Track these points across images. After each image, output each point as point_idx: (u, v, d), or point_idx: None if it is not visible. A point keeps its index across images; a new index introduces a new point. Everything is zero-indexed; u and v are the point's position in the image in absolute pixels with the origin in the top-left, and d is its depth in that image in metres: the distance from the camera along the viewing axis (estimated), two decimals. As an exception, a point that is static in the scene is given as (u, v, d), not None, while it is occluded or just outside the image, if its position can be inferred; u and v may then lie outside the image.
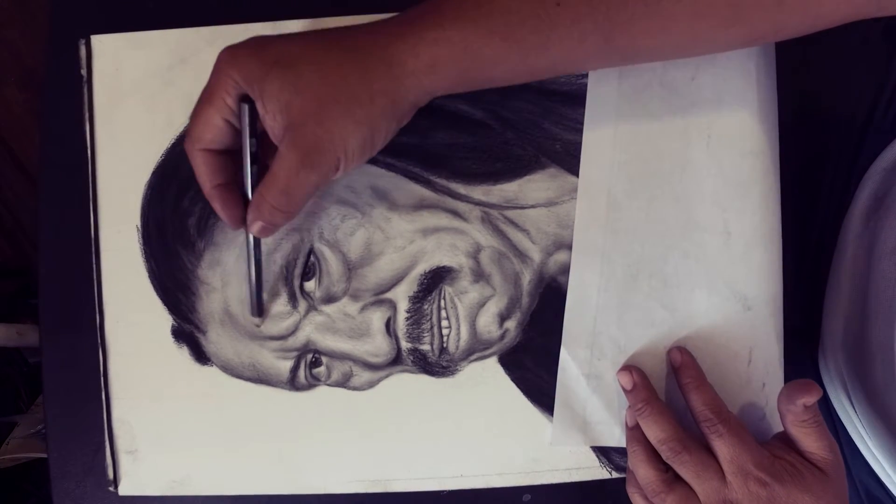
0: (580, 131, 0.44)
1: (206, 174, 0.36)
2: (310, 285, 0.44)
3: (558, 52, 0.32)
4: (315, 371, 0.45)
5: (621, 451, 0.43)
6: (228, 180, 0.37)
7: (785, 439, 0.38)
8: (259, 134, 0.36)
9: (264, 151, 0.37)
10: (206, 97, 0.34)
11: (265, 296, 0.44)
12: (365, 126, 0.33)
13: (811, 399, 0.36)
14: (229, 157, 0.37)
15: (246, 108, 0.34)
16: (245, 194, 0.37)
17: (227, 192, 0.37)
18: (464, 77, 0.34)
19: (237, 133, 0.35)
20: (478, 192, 0.44)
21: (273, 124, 0.33)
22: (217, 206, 0.37)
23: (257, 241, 0.41)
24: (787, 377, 0.43)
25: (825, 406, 0.49)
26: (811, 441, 0.37)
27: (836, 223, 0.49)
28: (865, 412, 0.44)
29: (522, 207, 0.44)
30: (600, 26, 0.31)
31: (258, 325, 0.44)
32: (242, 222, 0.38)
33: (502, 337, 0.44)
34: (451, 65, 0.32)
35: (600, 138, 0.43)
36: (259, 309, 0.43)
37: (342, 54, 0.33)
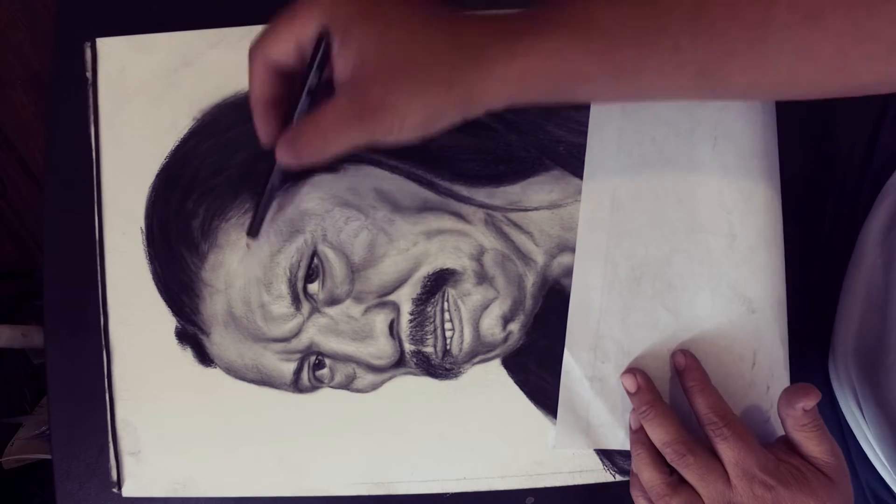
0: (584, 133, 0.44)
1: (258, 84, 0.35)
2: (313, 287, 0.44)
3: (651, 78, 0.31)
4: (318, 373, 0.45)
5: (625, 455, 0.43)
6: (276, 98, 0.36)
7: (789, 443, 0.38)
8: (323, 68, 0.34)
9: (321, 87, 0.36)
10: (290, 15, 0.33)
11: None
12: (431, 109, 0.32)
13: (810, 402, 0.36)
14: (286, 76, 0.35)
15: (322, 42, 0.33)
16: (287, 119, 0.36)
17: (271, 108, 0.36)
18: (549, 90, 0.32)
19: (303, 58, 0.34)
20: (481, 194, 0.44)
21: (343, 69, 0.32)
22: (257, 117, 0.36)
23: (279, 167, 0.40)
24: (796, 382, 0.42)
25: (833, 412, 0.49)
26: (813, 445, 0.37)
27: (846, 227, 0.48)
28: (875, 420, 0.43)
29: (526, 210, 0.44)
30: (699, 57, 0.30)
31: (248, 246, 0.44)
32: (273, 141, 0.36)
33: (506, 339, 0.44)
34: (540, 76, 0.31)
35: (604, 140, 0.43)
36: (255, 230, 0.42)
37: (437, 32, 0.31)
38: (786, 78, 0.31)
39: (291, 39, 0.33)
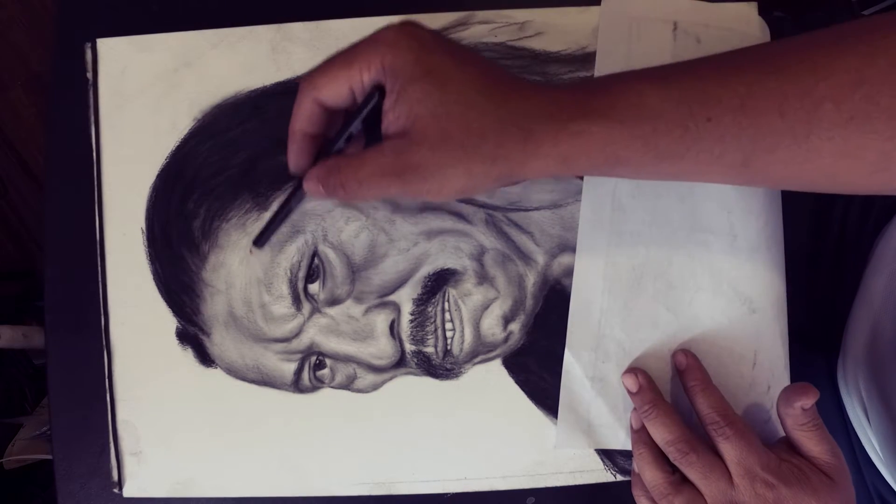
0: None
1: (303, 117, 0.35)
2: (314, 287, 0.44)
3: (692, 164, 0.32)
4: (319, 373, 0.45)
5: (626, 454, 0.43)
6: (315, 132, 0.36)
7: (790, 443, 0.38)
8: (368, 117, 0.35)
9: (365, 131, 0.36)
10: (348, 59, 0.33)
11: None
12: (472, 179, 0.32)
13: (809, 401, 0.36)
14: (330, 113, 0.36)
15: (376, 95, 0.33)
16: (323, 154, 0.37)
17: (307, 142, 0.36)
18: (589, 169, 0.33)
19: (353, 101, 0.35)
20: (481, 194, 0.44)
21: (393, 123, 0.32)
22: (292, 149, 0.37)
23: (300, 194, 0.40)
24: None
25: (840, 415, 0.48)
26: (812, 444, 0.37)
27: (856, 228, 0.48)
28: (880, 426, 0.43)
29: (526, 210, 0.44)
30: (743, 148, 0.31)
31: (251, 252, 0.44)
32: (301, 171, 0.37)
33: (506, 339, 0.44)
34: (583, 158, 0.32)
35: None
36: (262, 241, 0.42)
37: (489, 103, 0.32)
38: (828, 174, 0.31)
39: (345, 84, 0.33)
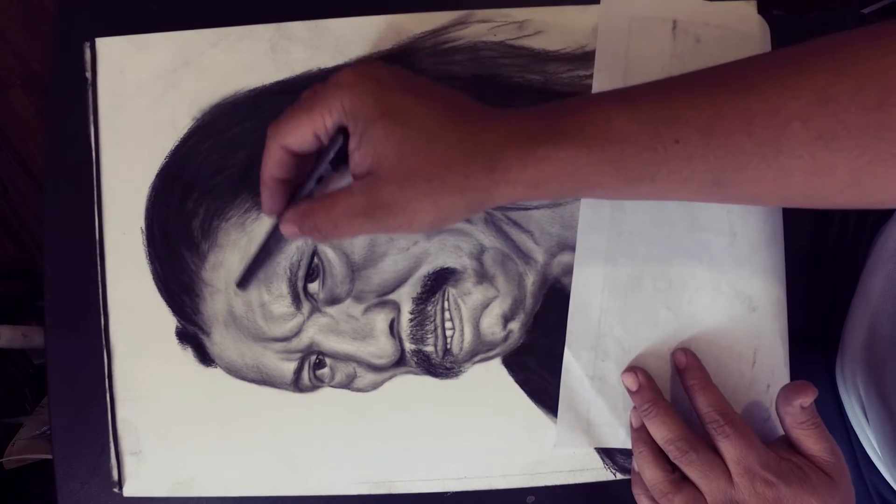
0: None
1: (272, 165, 0.36)
2: (313, 287, 0.44)
3: (664, 185, 0.32)
4: (319, 373, 0.45)
5: (625, 453, 0.43)
6: (286, 176, 0.37)
7: (789, 442, 0.38)
8: (336, 159, 0.36)
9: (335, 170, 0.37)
10: (309, 105, 0.34)
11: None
12: (443, 210, 0.33)
13: (808, 399, 0.36)
14: (300, 158, 0.37)
15: (340, 138, 0.34)
16: (296, 196, 0.38)
17: (279, 186, 0.37)
18: (559, 193, 0.33)
19: (319, 145, 0.35)
20: (481, 193, 0.44)
21: (360, 163, 0.33)
22: (265, 195, 0.38)
23: (278, 234, 0.42)
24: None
25: (839, 414, 0.49)
26: (812, 442, 0.37)
27: (856, 228, 0.48)
28: (878, 425, 0.43)
29: (526, 209, 0.44)
30: (712, 168, 0.31)
31: (235, 294, 0.44)
32: (275, 213, 0.38)
33: (506, 338, 0.44)
34: (552, 183, 0.32)
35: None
36: (245, 283, 0.44)
37: (453, 135, 0.32)
38: (799, 192, 0.31)
39: (309, 130, 0.34)
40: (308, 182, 0.37)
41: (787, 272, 0.44)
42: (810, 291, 0.46)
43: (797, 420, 0.37)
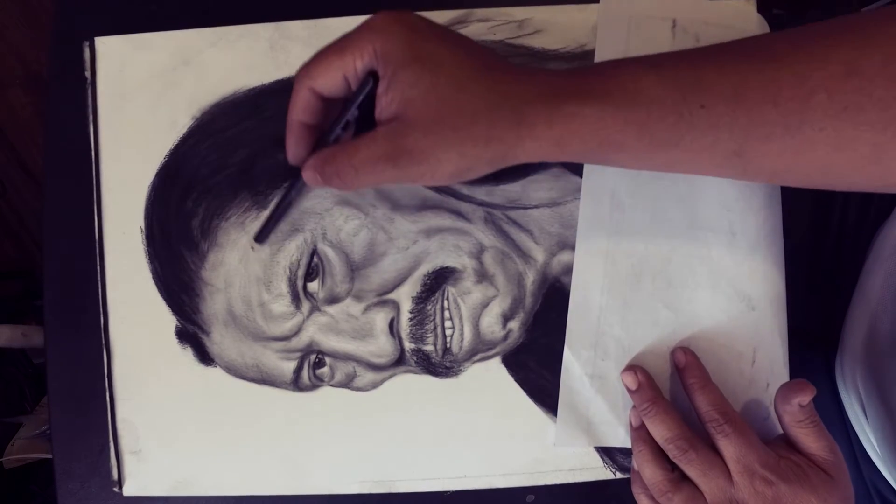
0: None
1: (299, 108, 0.36)
2: (313, 286, 0.44)
3: (686, 153, 0.32)
4: (318, 372, 0.45)
5: (625, 452, 0.43)
6: (313, 122, 0.36)
7: (789, 441, 0.38)
8: (364, 103, 0.35)
9: (360, 118, 0.36)
10: (340, 47, 0.33)
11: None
12: (467, 160, 0.32)
13: (806, 398, 0.36)
14: (327, 102, 0.36)
15: (370, 81, 0.33)
16: (321, 143, 0.37)
17: (305, 131, 0.37)
18: (583, 154, 0.33)
19: (348, 89, 0.35)
20: (480, 192, 0.44)
21: (386, 108, 0.33)
22: (290, 136, 0.37)
23: (301, 183, 0.41)
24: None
25: (839, 412, 0.49)
26: (810, 441, 0.37)
27: (855, 226, 0.48)
28: (878, 423, 0.43)
29: (526, 208, 0.44)
30: (736, 137, 0.30)
31: (252, 249, 0.44)
32: (300, 161, 0.37)
33: (506, 337, 0.44)
34: (577, 142, 0.32)
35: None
36: (263, 236, 0.43)
37: (481, 86, 0.32)
38: (821, 167, 0.31)
39: (339, 72, 0.33)
40: (334, 128, 0.36)
41: (787, 271, 0.44)
42: (810, 290, 0.46)
43: (796, 419, 0.37)
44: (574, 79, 0.32)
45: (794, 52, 0.30)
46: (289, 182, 0.43)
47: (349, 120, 0.36)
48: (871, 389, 0.43)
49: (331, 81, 0.34)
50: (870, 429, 0.45)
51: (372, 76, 0.33)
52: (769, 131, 0.30)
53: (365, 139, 0.33)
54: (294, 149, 0.37)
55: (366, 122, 0.35)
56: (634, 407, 0.41)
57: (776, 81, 0.29)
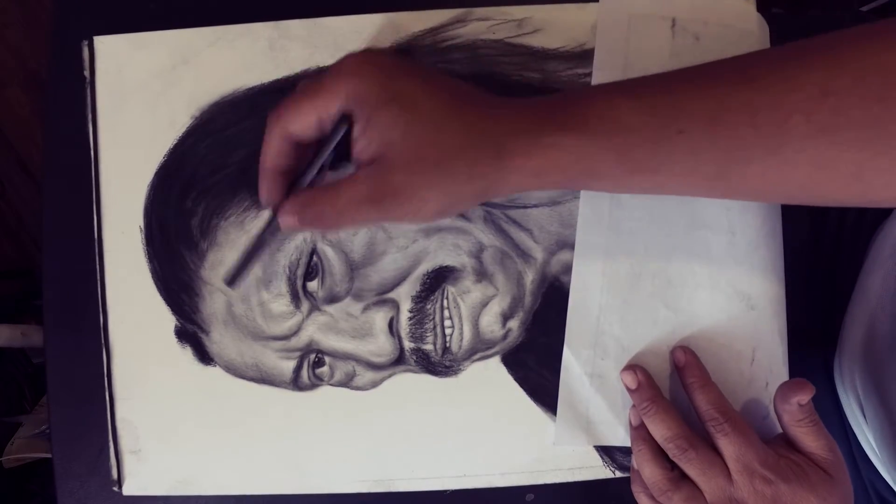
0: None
1: (272, 153, 0.35)
2: (312, 285, 0.44)
3: (667, 177, 0.32)
4: (318, 371, 0.45)
5: (625, 451, 0.43)
6: (287, 166, 0.36)
7: (788, 440, 0.38)
8: (337, 147, 0.35)
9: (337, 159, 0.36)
10: (314, 92, 0.33)
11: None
12: (450, 198, 0.32)
13: (805, 397, 0.36)
14: (301, 147, 0.36)
15: (345, 126, 0.33)
16: (295, 186, 0.37)
17: (279, 176, 0.36)
18: (565, 182, 0.33)
19: (321, 132, 0.35)
20: (480, 191, 0.44)
21: (364, 150, 0.32)
22: (263, 181, 0.36)
23: (274, 227, 0.40)
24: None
25: (837, 412, 0.49)
26: (810, 440, 0.37)
27: (854, 226, 0.48)
28: (876, 423, 0.43)
29: (525, 207, 0.44)
30: (716, 160, 0.30)
31: (223, 293, 0.44)
32: (273, 204, 0.37)
33: (505, 336, 0.44)
34: (557, 172, 0.32)
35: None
36: (233, 279, 0.43)
37: (459, 123, 0.32)
38: (803, 186, 0.31)
39: (312, 115, 0.33)
40: (308, 171, 0.36)
41: (786, 270, 0.44)
42: (809, 289, 0.46)
43: (795, 418, 0.37)
44: (550, 108, 0.32)
45: (769, 74, 0.30)
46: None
47: (324, 164, 0.36)
48: (870, 389, 0.43)
49: (304, 125, 0.34)
50: (868, 429, 0.45)
51: (346, 119, 0.33)
52: (749, 154, 0.30)
53: (346, 182, 0.33)
54: (268, 194, 0.36)
55: (338, 165, 0.35)
56: (634, 406, 0.41)
57: (753, 104, 0.29)
